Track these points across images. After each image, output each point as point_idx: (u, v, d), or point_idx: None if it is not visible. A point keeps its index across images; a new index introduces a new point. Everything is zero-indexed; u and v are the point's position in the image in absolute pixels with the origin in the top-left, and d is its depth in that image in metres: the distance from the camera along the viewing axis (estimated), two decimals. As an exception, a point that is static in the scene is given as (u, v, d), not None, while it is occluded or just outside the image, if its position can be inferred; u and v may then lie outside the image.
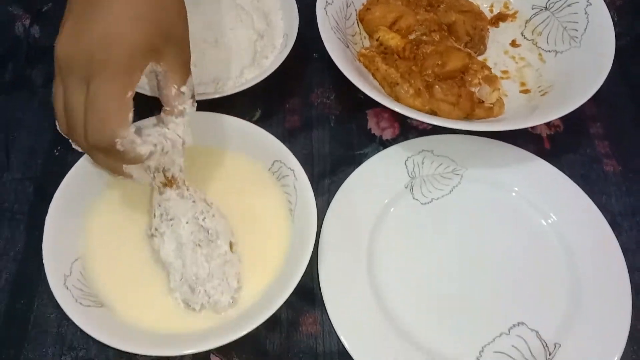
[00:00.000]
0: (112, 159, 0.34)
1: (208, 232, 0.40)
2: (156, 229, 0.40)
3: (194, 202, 0.40)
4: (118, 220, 0.43)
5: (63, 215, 0.41)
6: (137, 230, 0.42)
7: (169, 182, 0.39)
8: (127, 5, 0.33)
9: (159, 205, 0.40)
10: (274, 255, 0.42)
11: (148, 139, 0.36)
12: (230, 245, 0.41)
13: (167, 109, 0.37)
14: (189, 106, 0.38)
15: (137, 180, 0.37)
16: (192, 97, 0.38)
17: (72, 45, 0.33)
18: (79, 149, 0.37)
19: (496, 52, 0.56)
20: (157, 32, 0.34)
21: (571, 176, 0.48)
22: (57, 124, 0.37)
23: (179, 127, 0.37)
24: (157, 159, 0.37)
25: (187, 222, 0.39)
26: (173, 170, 0.39)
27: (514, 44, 0.57)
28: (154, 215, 0.40)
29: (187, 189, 0.40)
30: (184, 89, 0.37)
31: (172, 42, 0.35)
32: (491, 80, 0.50)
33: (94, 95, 0.32)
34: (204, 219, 0.40)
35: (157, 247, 0.40)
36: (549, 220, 0.46)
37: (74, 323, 0.39)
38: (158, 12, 0.34)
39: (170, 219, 0.40)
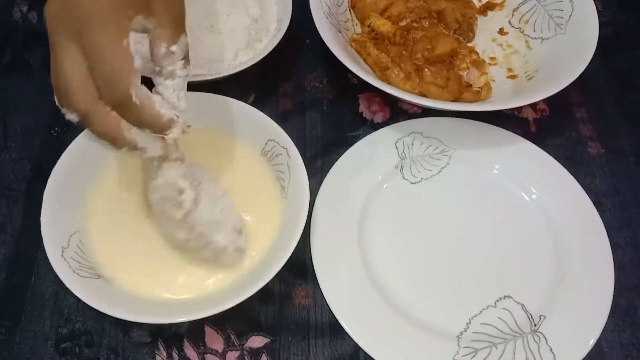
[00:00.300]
0: (128, 116, 0.32)
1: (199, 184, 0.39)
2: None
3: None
4: (116, 195, 0.44)
5: (61, 190, 0.42)
6: (135, 203, 0.43)
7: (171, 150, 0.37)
8: None
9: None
10: (267, 229, 0.44)
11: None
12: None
13: (156, 69, 0.34)
14: (179, 67, 0.34)
15: (140, 150, 0.35)
16: (185, 58, 0.35)
17: (57, 5, 0.32)
18: (76, 120, 0.34)
19: (484, 40, 0.58)
20: None
21: (556, 158, 0.50)
22: (55, 98, 0.37)
23: (168, 90, 0.34)
24: None
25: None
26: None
27: (501, 32, 0.59)
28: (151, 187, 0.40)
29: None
30: (174, 48, 0.33)
31: None
32: (479, 64, 0.52)
33: (93, 49, 0.31)
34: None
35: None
36: (533, 197, 0.48)
37: (70, 296, 0.41)
38: None
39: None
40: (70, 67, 0.32)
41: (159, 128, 0.33)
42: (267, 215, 0.44)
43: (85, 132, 0.43)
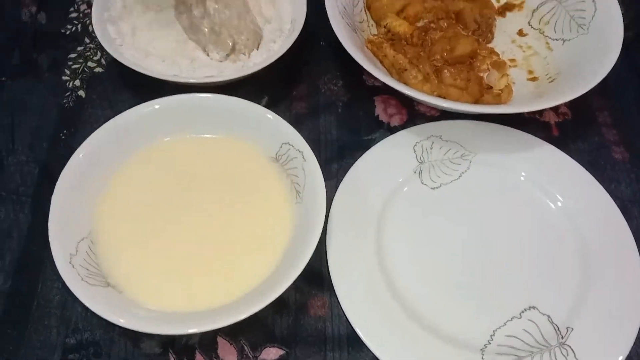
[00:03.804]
0: None
1: None
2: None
3: None
4: (127, 199, 0.42)
5: (70, 194, 0.40)
6: (146, 209, 0.42)
7: None
8: None
9: None
10: (281, 236, 0.42)
11: None
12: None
13: None
14: None
15: None
16: None
17: None
18: None
19: (503, 41, 0.56)
20: None
21: (580, 163, 0.48)
22: None
23: None
24: None
25: None
26: None
27: (521, 33, 0.57)
28: None
29: None
30: None
31: None
32: (500, 65, 0.50)
33: None
34: None
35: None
36: (558, 204, 0.46)
37: (78, 305, 0.39)
38: None
39: None
40: None
41: None
42: (281, 220, 0.43)
43: (99, 131, 0.42)
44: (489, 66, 0.50)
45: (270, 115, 0.45)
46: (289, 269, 0.38)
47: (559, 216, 0.46)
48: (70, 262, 0.38)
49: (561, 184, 0.47)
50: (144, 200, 0.43)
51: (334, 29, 0.48)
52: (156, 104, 0.44)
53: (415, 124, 0.51)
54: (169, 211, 0.43)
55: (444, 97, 0.49)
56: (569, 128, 0.52)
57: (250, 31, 0.49)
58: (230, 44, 0.49)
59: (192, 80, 0.47)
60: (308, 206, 0.42)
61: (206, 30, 0.49)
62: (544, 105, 0.45)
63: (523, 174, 0.48)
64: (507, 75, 0.51)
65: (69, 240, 0.39)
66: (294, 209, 0.43)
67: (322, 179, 0.42)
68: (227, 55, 0.49)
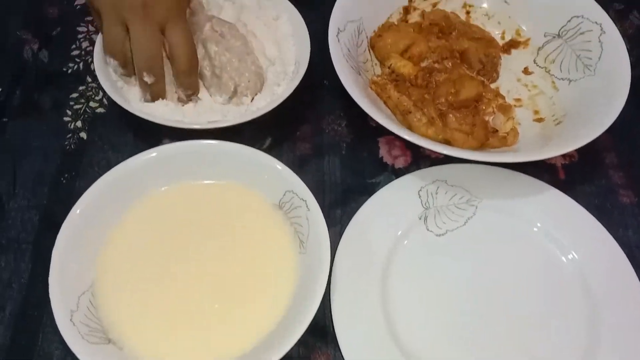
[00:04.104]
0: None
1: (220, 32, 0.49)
2: None
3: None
4: (128, 252, 0.42)
5: (70, 250, 0.40)
6: (147, 261, 0.42)
7: None
8: None
9: None
10: (284, 289, 0.41)
11: None
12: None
13: None
14: None
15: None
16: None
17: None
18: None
19: (508, 80, 0.56)
20: None
21: (587, 207, 0.47)
22: (110, 60, 0.47)
23: None
24: None
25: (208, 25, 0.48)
26: None
27: (526, 71, 0.56)
28: None
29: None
30: None
31: None
32: (505, 109, 0.50)
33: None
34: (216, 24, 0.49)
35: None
36: (569, 256, 0.45)
37: (79, 360, 0.38)
38: None
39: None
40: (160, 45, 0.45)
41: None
42: (285, 272, 0.42)
43: (97, 183, 0.42)
44: (495, 109, 0.49)
45: (273, 162, 0.44)
46: (294, 324, 0.37)
47: (564, 264, 0.45)
48: (71, 320, 0.37)
49: (567, 231, 0.46)
50: (145, 251, 0.42)
51: (338, 73, 0.48)
52: (154, 152, 0.44)
53: (419, 167, 0.51)
54: (170, 262, 0.42)
55: (449, 141, 0.48)
56: (575, 170, 0.51)
57: (252, 73, 0.49)
58: (232, 87, 0.48)
59: (195, 126, 0.46)
60: (312, 258, 0.41)
61: (207, 73, 0.48)
62: (551, 154, 0.45)
63: (530, 221, 0.47)
64: (513, 118, 0.50)
65: (70, 296, 0.39)
66: (298, 259, 0.42)
67: (326, 230, 0.41)
68: (230, 98, 0.49)
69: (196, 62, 0.47)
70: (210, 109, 0.48)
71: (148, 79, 0.46)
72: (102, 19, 0.44)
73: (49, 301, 0.37)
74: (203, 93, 0.49)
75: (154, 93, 0.47)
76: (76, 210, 0.41)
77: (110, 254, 0.42)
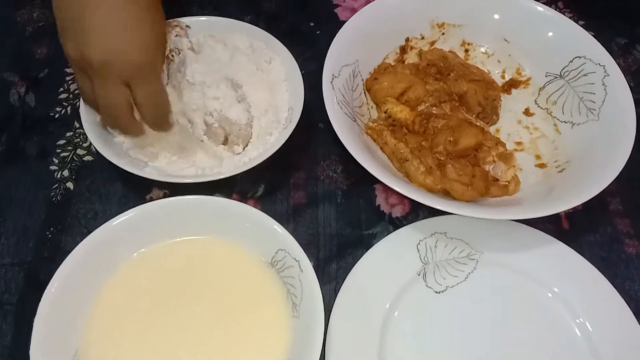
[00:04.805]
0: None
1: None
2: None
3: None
4: (115, 318, 0.40)
5: (55, 313, 0.38)
6: (134, 324, 0.40)
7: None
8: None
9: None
10: (276, 354, 0.40)
11: None
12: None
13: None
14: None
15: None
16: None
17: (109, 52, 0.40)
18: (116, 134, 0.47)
19: (509, 122, 0.54)
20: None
21: (592, 259, 0.46)
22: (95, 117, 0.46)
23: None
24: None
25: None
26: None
27: (527, 112, 0.55)
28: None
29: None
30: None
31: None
32: (506, 157, 0.48)
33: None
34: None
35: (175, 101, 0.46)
36: (569, 308, 0.44)
37: None
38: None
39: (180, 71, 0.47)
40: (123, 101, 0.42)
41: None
42: (276, 336, 0.40)
43: (84, 242, 0.40)
44: (495, 158, 0.48)
45: (265, 218, 0.43)
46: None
47: (569, 322, 0.43)
48: (53, 396, 0.35)
49: (571, 287, 0.44)
50: (131, 316, 0.41)
51: (332, 121, 0.46)
52: (140, 211, 0.42)
53: (417, 215, 0.49)
54: (158, 328, 0.40)
55: (448, 191, 0.47)
56: (579, 220, 0.50)
57: (243, 122, 0.47)
58: (223, 135, 0.47)
59: (186, 180, 0.44)
60: (305, 322, 0.39)
61: (198, 122, 0.47)
62: (554, 210, 0.43)
63: (530, 273, 0.45)
64: (514, 166, 0.48)
65: (54, 366, 0.37)
66: (290, 323, 0.41)
67: (320, 294, 0.39)
68: (223, 144, 0.47)
69: (164, 118, 0.45)
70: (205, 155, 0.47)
71: (113, 132, 0.46)
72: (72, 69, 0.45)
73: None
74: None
75: (133, 137, 0.46)
76: (53, 284, 0.39)
77: (95, 321, 0.40)
